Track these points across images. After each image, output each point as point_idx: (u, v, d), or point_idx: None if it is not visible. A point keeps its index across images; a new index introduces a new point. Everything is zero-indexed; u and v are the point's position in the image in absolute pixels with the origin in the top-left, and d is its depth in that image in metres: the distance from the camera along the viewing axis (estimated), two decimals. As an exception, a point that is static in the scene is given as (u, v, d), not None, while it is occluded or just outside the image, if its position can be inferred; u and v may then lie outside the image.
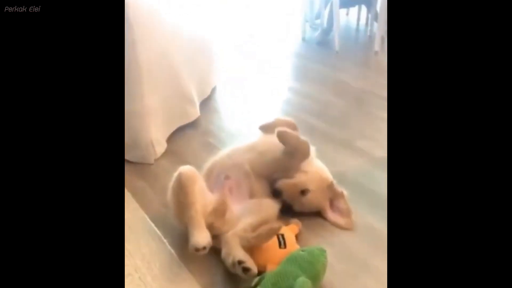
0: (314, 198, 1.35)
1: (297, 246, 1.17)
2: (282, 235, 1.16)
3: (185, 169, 1.21)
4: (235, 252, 1.07)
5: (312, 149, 1.41)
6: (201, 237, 1.12)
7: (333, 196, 1.38)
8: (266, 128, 1.48)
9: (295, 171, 1.35)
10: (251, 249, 1.11)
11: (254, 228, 1.16)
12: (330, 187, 1.37)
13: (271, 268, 1.07)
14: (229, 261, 1.07)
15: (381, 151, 1.77)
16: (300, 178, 1.33)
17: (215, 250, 1.21)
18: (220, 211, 1.23)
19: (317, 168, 1.41)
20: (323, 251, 1.08)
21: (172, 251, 1.22)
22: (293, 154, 1.34)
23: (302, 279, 0.97)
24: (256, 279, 1.02)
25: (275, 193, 1.32)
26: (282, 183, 1.32)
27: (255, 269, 1.04)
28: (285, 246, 1.14)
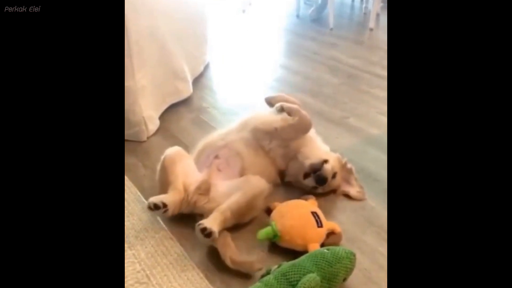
0: (338, 179, 1.37)
1: (331, 223, 1.18)
2: (317, 214, 1.16)
3: (169, 152, 1.25)
4: (204, 220, 1.12)
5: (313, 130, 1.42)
6: (159, 198, 1.18)
7: (346, 174, 1.40)
8: (270, 100, 1.49)
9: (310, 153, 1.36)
10: (291, 232, 1.12)
11: (240, 204, 1.18)
12: (344, 166, 1.40)
13: (312, 248, 1.08)
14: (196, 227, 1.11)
15: (374, 128, 1.77)
16: (332, 163, 1.34)
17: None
18: (202, 189, 1.24)
19: (325, 148, 1.44)
20: (350, 254, 1.03)
21: (166, 227, 1.23)
22: (295, 127, 1.34)
23: (310, 276, 0.96)
24: (274, 267, 1.03)
25: (319, 181, 1.32)
26: (328, 169, 1.31)
27: (213, 233, 1.09)
28: (321, 225, 1.14)
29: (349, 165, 1.41)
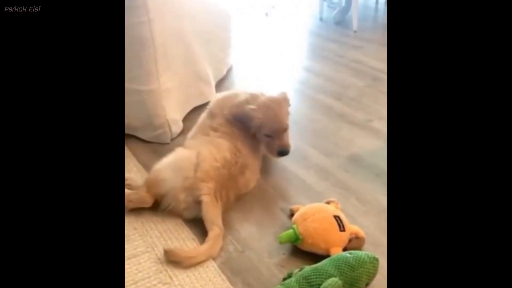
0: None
1: (354, 227, 1.17)
2: (339, 218, 1.15)
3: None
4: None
5: None
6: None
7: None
8: None
9: None
10: (314, 236, 1.12)
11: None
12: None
13: (335, 252, 1.08)
14: None
15: (399, 132, 1.75)
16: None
17: (228, 229, 1.24)
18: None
19: None
20: (373, 259, 1.02)
21: (188, 228, 1.24)
22: None
23: (332, 280, 0.95)
24: (296, 270, 1.02)
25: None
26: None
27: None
28: (344, 229, 1.14)
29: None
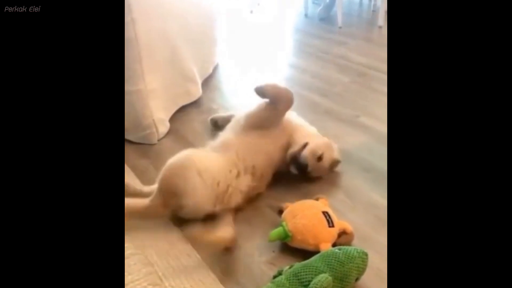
0: (326, 161, 1.40)
1: (342, 222, 1.17)
2: (328, 214, 1.16)
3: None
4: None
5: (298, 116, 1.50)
6: None
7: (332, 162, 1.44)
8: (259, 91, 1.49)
9: (292, 136, 1.40)
10: (303, 232, 1.12)
11: None
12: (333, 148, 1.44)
13: (324, 247, 1.08)
14: None
15: (385, 127, 1.76)
16: (313, 145, 1.37)
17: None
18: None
19: (313, 131, 1.47)
20: (362, 254, 1.02)
21: (178, 229, 1.23)
22: (276, 103, 1.39)
23: (322, 276, 0.95)
24: (286, 267, 1.03)
25: (301, 168, 1.35)
26: (305, 155, 1.34)
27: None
28: (333, 225, 1.14)
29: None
